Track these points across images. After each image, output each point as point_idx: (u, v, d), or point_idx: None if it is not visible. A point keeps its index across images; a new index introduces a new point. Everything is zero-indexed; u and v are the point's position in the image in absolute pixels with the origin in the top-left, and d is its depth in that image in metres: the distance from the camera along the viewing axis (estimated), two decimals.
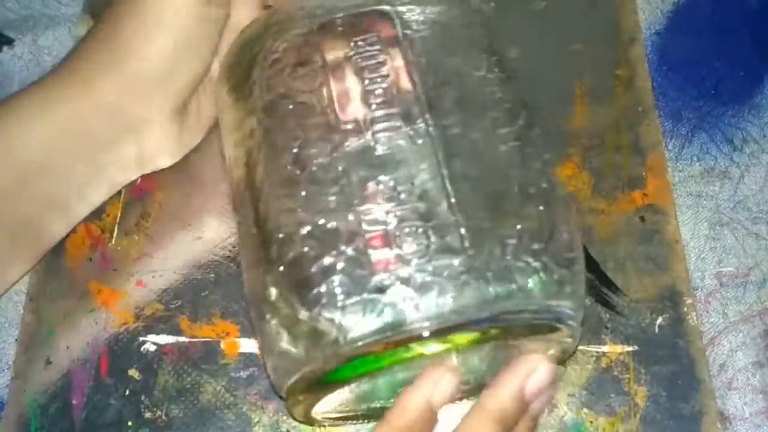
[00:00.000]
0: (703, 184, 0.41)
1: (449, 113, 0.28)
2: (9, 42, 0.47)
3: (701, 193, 0.41)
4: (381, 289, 0.25)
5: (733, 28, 0.45)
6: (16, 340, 0.38)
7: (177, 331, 0.38)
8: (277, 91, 0.30)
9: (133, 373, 0.37)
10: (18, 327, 0.39)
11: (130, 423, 0.36)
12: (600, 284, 0.38)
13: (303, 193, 0.27)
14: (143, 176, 0.41)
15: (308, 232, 0.27)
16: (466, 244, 0.26)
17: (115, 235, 0.40)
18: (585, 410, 0.36)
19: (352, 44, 0.29)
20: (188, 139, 0.39)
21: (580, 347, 0.37)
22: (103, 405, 0.36)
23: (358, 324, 0.25)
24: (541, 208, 0.28)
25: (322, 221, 0.27)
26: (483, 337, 0.26)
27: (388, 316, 0.25)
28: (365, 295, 0.25)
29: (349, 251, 0.26)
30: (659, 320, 0.37)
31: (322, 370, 0.26)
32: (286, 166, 0.28)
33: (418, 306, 0.25)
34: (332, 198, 0.27)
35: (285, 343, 0.27)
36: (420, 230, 0.26)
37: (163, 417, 0.36)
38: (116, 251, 0.40)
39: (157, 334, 0.38)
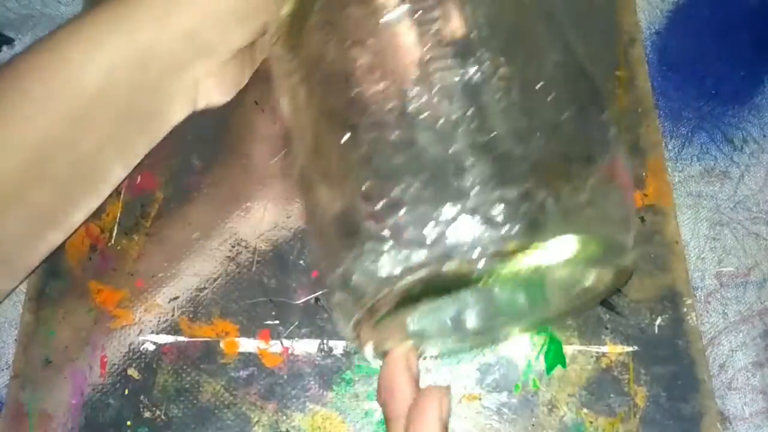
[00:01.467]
0: (703, 184, 0.41)
1: (502, 55, 0.28)
2: (9, 42, 0.47)
3: (701, 193, 0.41)
4: (447, 221, 0.26)
5: (733, 28, 0.45)
6: (16, 340, 0.38)
7: (176, 331, 0.38)
8: (331, 36, 0.30)
9: (133, 372, 0.37)
10: (18, 327, 0.39)
11: (129, 422, 0.36)
12: None
13: (366, 136, 0.28)
14: (143, 176, 0.41)
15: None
16: (525, 181, 0.26)
17: (114, 234, 0.40)
18: (585, 410, 0.36)
19: None
20: (242, 78, 0.40)
21: (580, 347, 0.37)
22: (102, 405, 0.36)
23: (418, 253, 0.26)
24: (596, 156, 0.28)
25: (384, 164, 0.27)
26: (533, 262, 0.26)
27: (444, 246, 0.26)
28: (430, 228, 0.26)
29: (415, 188, 0.26)
30: (659, 320, 0.37)
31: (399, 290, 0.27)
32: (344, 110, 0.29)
33: (474, 238, 0.26)
34: (394, 140, 0.27)
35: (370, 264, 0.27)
36: (479, 164, 0.26)
37: (163, 417, 0.36)
38: (116, 251, 0.40)
39: (157, 333, 0.38)
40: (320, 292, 0.38)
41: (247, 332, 0.38)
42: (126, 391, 0.37)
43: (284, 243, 0.39)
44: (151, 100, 0.36)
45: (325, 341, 0.37)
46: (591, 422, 0.36)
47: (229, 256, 0.39)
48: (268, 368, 0.37)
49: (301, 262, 0.39)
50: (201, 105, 0.39)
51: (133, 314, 0.38)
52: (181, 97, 0.37)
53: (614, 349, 0.37)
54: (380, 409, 0.32)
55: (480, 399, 0.36)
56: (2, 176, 0.33)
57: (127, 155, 0.38)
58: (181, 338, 0.38)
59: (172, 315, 0.38)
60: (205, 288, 0.39)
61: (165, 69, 0.36)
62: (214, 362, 0.37)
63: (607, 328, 0.37)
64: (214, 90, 0.38)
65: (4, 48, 0.47)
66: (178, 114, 0.38)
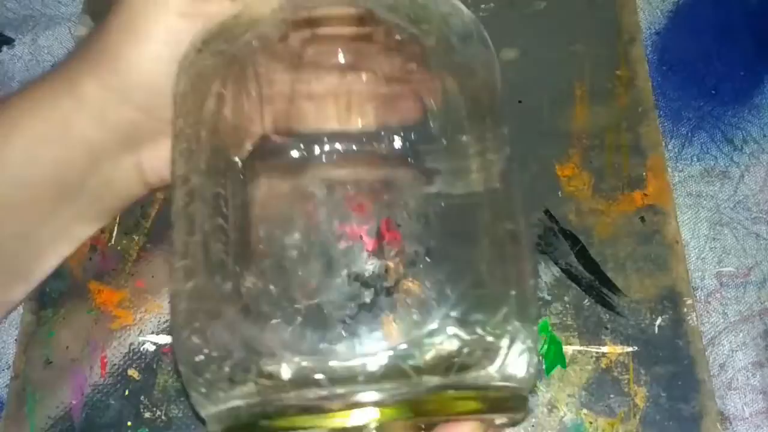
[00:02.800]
0: (703, 184, 0.41)
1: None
2: (9, 42, 0.47)
3: (701, 193, 0.41)
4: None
5: (733, 27, 0.45)
6: (16, 340, 0.38)
7: None
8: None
9: (133, 373, 0.37)
10: (18, 327, 0.39)
11: (129, 423, 0.36)
12: (600, 284, 0.38)
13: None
14: None
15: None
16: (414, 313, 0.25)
17: (114, 234, 0.40)
18: (584, 411, 0.36)
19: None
20: None
21: (580, 348, 0.37)
22: (102, 405, 0.36)
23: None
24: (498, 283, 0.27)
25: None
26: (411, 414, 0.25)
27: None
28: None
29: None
30: (659, 321, 0.37)
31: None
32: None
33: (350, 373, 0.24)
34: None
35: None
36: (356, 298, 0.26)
37: (163, 417, 0.36)
38: (116, 251, 0.40)
39: (157, 334, 0.38)
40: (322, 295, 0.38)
41: None
42: (126, 392, 0.37)
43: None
44: (90, 184, 0.35)
45: None
46: (591, 423, 0.36)
47: None
48: None
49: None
50: (155, 183, 0.37)
51: (133, 314, 0.38)
52: (123, 180, 0.36)
53: (614, 350, 0.37)
54: None
55: None
56: None
57: (64, 237, 0.37)
58: None
59: None
60: None
61: (95, 157, 0.34)
62: None
63: (606, 329, 0.37)
64: (164, 166, 0.34)
65: (4, 48, 0.47)
66: (129, 194, 0.37)
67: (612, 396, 0.36)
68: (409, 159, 0.29)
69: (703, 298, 0.39)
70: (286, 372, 0.25)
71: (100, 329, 0.38)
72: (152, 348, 0.38)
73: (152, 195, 0.41)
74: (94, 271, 0.39)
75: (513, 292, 0.27)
